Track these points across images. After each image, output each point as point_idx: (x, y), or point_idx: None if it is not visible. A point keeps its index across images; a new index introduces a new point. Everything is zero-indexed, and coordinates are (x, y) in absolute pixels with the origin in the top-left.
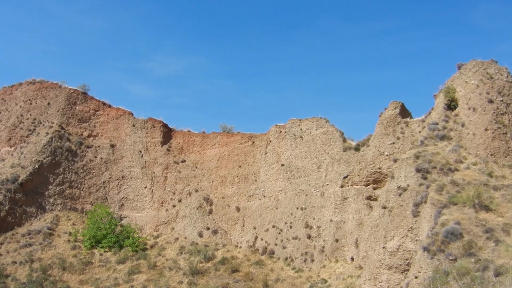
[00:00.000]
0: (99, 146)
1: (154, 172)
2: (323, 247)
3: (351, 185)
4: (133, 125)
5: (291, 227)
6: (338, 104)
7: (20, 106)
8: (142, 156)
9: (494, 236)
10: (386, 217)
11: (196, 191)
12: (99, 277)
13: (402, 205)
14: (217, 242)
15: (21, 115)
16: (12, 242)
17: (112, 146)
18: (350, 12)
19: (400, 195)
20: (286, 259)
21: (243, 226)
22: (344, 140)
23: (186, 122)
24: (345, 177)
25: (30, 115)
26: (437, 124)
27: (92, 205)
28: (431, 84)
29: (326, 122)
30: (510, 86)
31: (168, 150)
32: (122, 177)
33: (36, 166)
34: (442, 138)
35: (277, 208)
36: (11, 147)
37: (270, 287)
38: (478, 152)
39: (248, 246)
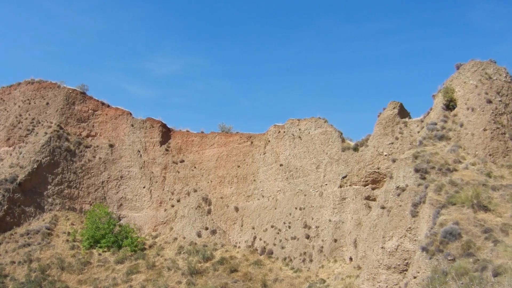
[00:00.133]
0: (97, 146)
1: (152, 172)
2: (322, 247)
3: (350, 185)
4: (132, 125)
5: (289, 227)
6: (336, 104)
7: (19, 106)
8: (140, 156)
9: (492, 236)
10: (385, 217)
11: (195, 191)
12: (97, 277)
13: (400, 205)
14: (215, 242)
15: (20, 115)
16: (11, 242)
17: (111, 146)
18: (349, 12)
19: (398, 195)
20: (285, 259)
21: (242, 226)
22: (343, 140)
23: (185, 122)
24: (343, 177)
25: (29, 115)
26: (435, 124)
27: (91, 205)
28: (429, 84)
29: (325, 122)
30: (508, 86)
31: (166, 150)
32: (121, 177)
33: (35, 166)
34: (441, 138)
35: (275, 208)
36: (9, 147)
37: (269, 287)
38: (476, 152)
39: (247, 246)
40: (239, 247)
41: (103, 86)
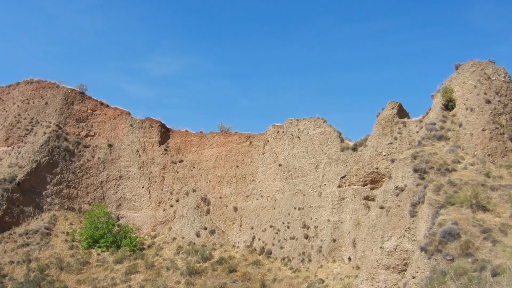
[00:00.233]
0: (96, 146)
1: (151, 172)
2: (321, 247)
3: (349, 185)
4: (131, 125)
5: (288, 227)
6: (335, 104)
7: (18, 106)
8: (139, 156)
9: (491, 236)
10: (384, 217)
11: (194, 191)
12: (96, 277)
13: (399, 205)
14: (214, 242)
15: (19, 115)
16: (10, 241)
17: (110, 146)
18: (348, 12)
19: (397, 195)
20: (284, 259)
21: (241, 226)
22: (342, 140)
23: (184, 122)
24: (342, 177)
25: (28, 114)
26: (434, 124)
27: (90, 204)
28: (428, 84)
29: (324, 122)
30: (507, 86)
31: (165, 150)
32: (120, 177)
33: (34, 165)
34: (440, 138)
35: (274, 208)
36: (8, 146)
37: (268, 287)
38: (475, 153)
39: (246, 246)
40: (238, 247)
41: (102, 86)
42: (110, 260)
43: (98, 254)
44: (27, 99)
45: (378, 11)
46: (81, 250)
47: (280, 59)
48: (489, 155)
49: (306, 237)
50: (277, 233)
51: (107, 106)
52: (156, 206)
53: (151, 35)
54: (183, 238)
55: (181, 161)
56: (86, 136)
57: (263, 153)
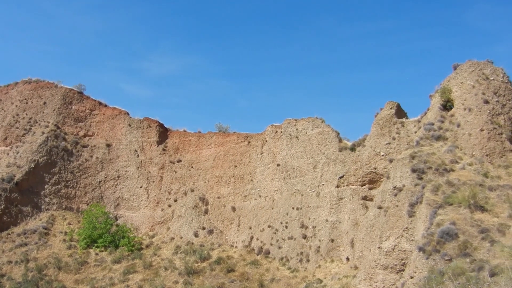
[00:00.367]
0: (95, 146)
1: (149, 172)
2: (319, 247)
3: (347, 185)
4: (129, 125)
5: (286, 227)
6: (334, 104)
7: (16, 106)
8: (138, 155)
9: (489, 236)
10: (382, 217)
11: (192, 191)
12: (94, 276)
13: (397, 205)
14: (212, 242)
15: (17, 115)
16: (8, 241)
17: (108, 145)
18: (346, 13)
19: (395, 195)
20: (282, 259)
21: (239, 226)
22: (340, 140)
23: (182, 122)
24: (340, 177)
25: (26, 114)
26: (432, 124)
27: (88, 204)
28: (427, 84)
29: (322, 122)
30: (505, 86)
31: (164, 150)
32: (118, 176)
33: (32, 165)
34: (438, 138)
35: (272, 208)
36: (6, 146)
37: (266, 287)
38: (473, 153)
39: (244, 246)
40: (236, 247)
41: (100, 85)
42: (108, 260)
43: (96, 254)
44: (25, 99)
45: (377, 11)
46: (79, 250)
47: (279, 59)
48: (487, 155)
49: (304, 237)
50: (275, 233)
51: (106, 106)
52: (154, 206)
53: (150, 35)
54: (181, 238)
55: (179, 161)
56: (85, 136)
57: (261, 153)
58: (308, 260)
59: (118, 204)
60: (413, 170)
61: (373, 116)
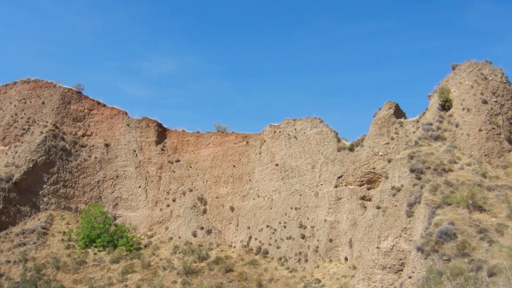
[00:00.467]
0: (93, 146)
1: (148, 172)
2: (317, 247)
3: (345, 185)
4: (128, 125)
5: (285, 227)
6: (332, 104)
7: (15, 105)
8: (136, 155)
9: (487, 236)
10: (380, 217)
11: (190, 190)
12: (93, 276)
13: (396, 205)
14: (211, 241)
15: (16, 114)
16: (6, 241)
17: (107, 145)
18: (345, 13)
19: (394, 195)
20: (280, 259)
21: (237, 226)
22: (339, 140)
23: (181, 121)
24: (339, 177)
25: (25, 114)
26: (431, 124)
27: (86, 204)
28: (425, 84)
29: (321, 122)
30: (504, 87)
31: (162, 149)
32: (116, 176)
33: (30, 165)
34: (436, 138)
35: (271, 208)
36: (5, 146)
37: (264, 287)
38: (472, 153)
39: (242, 246)
40: (234, 247)
41: (99, 85)
42: (107, 259)
43: (95, 254)
44: (24, 99)
45: (376, 11)
46: (78, 249)
47: (278, 59)
48: (485, 155)
49: (303, 237)
50: (273, 233)
51: (104, 105)
52: (152, 205)
53: (149, 35)
54: (179, 237)
55: (177, 160)
56: (83, 135)
57: (260, 153)
58: (306, 260)
59: (117, 204)
60: (412, 170)
61: (372, 116)
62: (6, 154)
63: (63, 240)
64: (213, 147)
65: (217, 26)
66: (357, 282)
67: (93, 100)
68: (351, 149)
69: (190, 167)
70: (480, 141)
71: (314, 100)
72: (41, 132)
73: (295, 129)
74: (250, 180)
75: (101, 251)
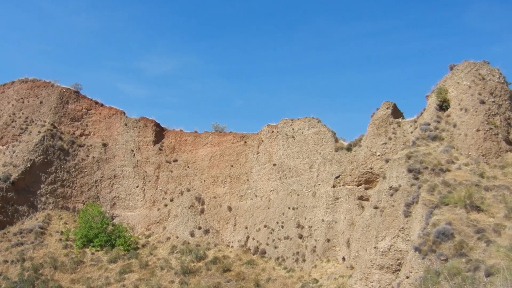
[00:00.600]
0: (91, 145)
1: (146, 172)
2: (315, 247)
3: (343, 185)
4: (125, 124)
5: (282, 227)
6: (330, 104)
7: (13, 105)
8: (134, 155)
9: (485, 236)
10: (378, 217)
11: (188, 190)
12: (90, 276)
13: (393, 205)
14: (208, 241)
15: (13, 114)
16: (4, 241)
17: (104, 145)
18: (343, 13)
19: (391, 195)
20: (278, 258)
21: (235, 225)
22: (336, 140)
23: (178, 121)
24: (337, 177)
25: (23, 113)
26: (429, 124)
27: (84, 204)
28: (423, 84)
29: (318, 122)
30: (502, 87)
31: (160, 149)
32: (114, 176)
33: (28, 165)
34: (434, 138)
35: (268, 208)
36: (3, 145)
37: (262, 287)
38: (469, 153)
39: (240, 245)
40: (232, 246)
41: (97, 85)
42: (104, 259)
43: (92, 254)
44: (21, 98)
45: (373, 11)
46: (75, 249)
47: (276, 59)
48: (483, 155)
49: (300, 237)
50: (271, 232)
51: (102, 105)
52: (150, 205)
53: (147, 35)
54: (177, 237)
55: (175, 160)
56: (81, 135)
57: (258, 153)
58: (304, 260)
59: (114, 204)
60: (409, 170)
61: (369, 116)
62: (4, 153)
63: (60, 239)
64: (211, 147)
65: (215, 26)
66: (354, 282)
67: (91, 100)
68: (348, 149)
69: (188, 167)
70: (477, 141)
71: (312, 100)
72: (39, 132)
73: (293, 129)
74: (247, 180)
75: (98, 250)
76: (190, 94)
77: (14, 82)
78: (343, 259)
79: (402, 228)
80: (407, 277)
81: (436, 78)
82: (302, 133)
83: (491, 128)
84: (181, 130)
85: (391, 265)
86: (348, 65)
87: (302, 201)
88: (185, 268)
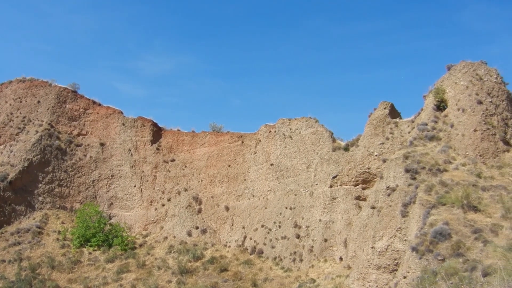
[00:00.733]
0: (88, 145)
1: (143, 171)
2: (312, 246)
3: (340, 185)
4: (123, 124)
5: (280, 226)
6: (327, 104)
7: (10, 104)
8: (131, 155)
9: (482, 236)
10: (375, 217)
11: (185, 190)
12: (88, 276)
13: (391, 205)
14: (206, 241)
15: (11, 113)
16: (1, 240)
17: (102, 144)
18: (340, 13)
19: (389, 195)
20: (275, 258)
21: (232, 225)
22: (334, 140)
23: (176, 121)
24: (334, 177)
25: (20, 113)
26: (426, 124)
27: (81, 203)
28: (420, 85)
29: (316, 122)
30: (499, 87)
31: (157, 149)
32: (112, 175)
33: (26, 164)
34: (431, 138)
35: (266, 208)
36: (0, 145)
37: (259, 287)
38: (467, 153)
39: (237, 245)
40: (229, 246)
41: (94, 84)
42: (102, 259)
43: (90, 253)
44: (19, 98)
45: (370, 11)
46: (73, 249)
47: (273, 59)
48: (480, 155)
49: (298, 236)
50: (268, 232)
51: (99, 105)
52: (147, 205)
53: (144, 35)
54: (174, 237)
55: (173, 160)
56: (78, 135)
57: (255, 153)
58: (301, 260)
59: (112, 203)
60: (407, 170)
61: (367, 116)
62: (1, 153)
63: (58, 239)
64: (208, 147)
65: (213, 25)
66: (351, 282)
67: (89, 99)
68: (346, 149)
69: (185, 166)
70: (475, 141)
71: (309, 100)
72: (36, 131)
73: (290, 129)
74: (245, 179)
75: (96, 250)
76: (188, 94)
77: (12, 81)
78: (340, 259)
79: (399, 228)
80: (404, 277)
81: (434, 78)
82: (300, 133)
83: (488, 128)
84: (178, 130)
85: (388, 265)
86: (345, 65)
87: (299, 201)
88: (182, 268)
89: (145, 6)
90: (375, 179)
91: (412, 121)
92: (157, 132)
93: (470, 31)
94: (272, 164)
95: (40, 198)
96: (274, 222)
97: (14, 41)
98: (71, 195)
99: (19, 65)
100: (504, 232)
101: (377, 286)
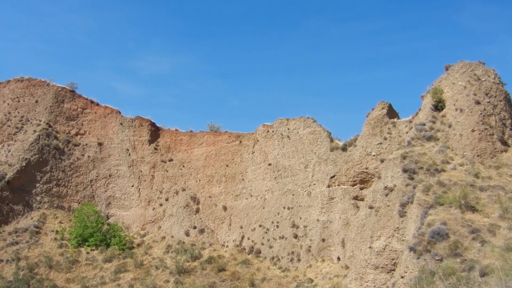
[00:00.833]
0: (86, 145)
1: (141, 171)
2: (310, 246)
3: (338, 185)
4: (121, 124)
5: (277, 226)
6: (325, 104)
7: (8, 104)
8: (129, 154)
9: (480, 236)
10: (373, 217)
11: (183, 190)
12: (85, 275)
13: (388, 205)
14: (203, 241)
15: (9, 113)
16: None
17: (100, 144)
18: (339, 13)
19: (386, 195)
20: (273, 258)
21: (230, 225)
22: (331, 140)
23: (174, 121)
24: (332, 177)
25: (18, 112)
26: (424, 124)
27: (79, 203)
28: (418, 85)
29: (314, 122)
30: (497, 87)
31: (155, 148)
32: (109, 175)
33: (23, 164)
34: (429, 138)
35: (264, 208)
36: None
37: (257, 287)
38: (464, 153)
39: (235, 245)
40: (227, 246)
41: (92, 84)
42: (100, 258)
43: (88, 253)
44: (17, 97)
45: (369, 11)
46: (71, 248)
47: (271, 59)
48: (478, 155)
49: (295, 236)
50: (266, 232)
51: (97, 104)
52: (145, 205)
53: (142, 34)
54: (172, 237)
55: (170, 160)
56: (76, 134)
57: (253, 153)
58: (299, 260)
59: (110, 203)
60: (404, 170)
61: (365, 116)
62: None
63: (56, 239)
64: (206, 147)
65: (211, 25)
66: (349, 281)
67: (87, 99)
68: (344, 149)
69: (183, 166)
70: (472, 141)
71: (307, 100)
72: (34, 131)
73: (288, 129)
74: (243, 179)
75: (93, 250)
76: (186, 94)
77: (10, 81)
78: (338, 259)
79: (397, 228)
80: (402, 277)
81: (432, 79)
82: (298, 132)
83: (486, 129)
84: (176, 130)
85: (386, 265)
86: (343, 65)
87: (297, 201)
88: (180, 268)
89: (143, 6)
90: (373, 179)
91: (410, 121)
92: (155, 132)
93: (469, 31)
94: (270, 164)
95: (38, 198)
96: (272, 222)
97: (13, 41)
98: (69, 195)
99: (17, 64)
100: (502, 232)
101: (374, 286)
